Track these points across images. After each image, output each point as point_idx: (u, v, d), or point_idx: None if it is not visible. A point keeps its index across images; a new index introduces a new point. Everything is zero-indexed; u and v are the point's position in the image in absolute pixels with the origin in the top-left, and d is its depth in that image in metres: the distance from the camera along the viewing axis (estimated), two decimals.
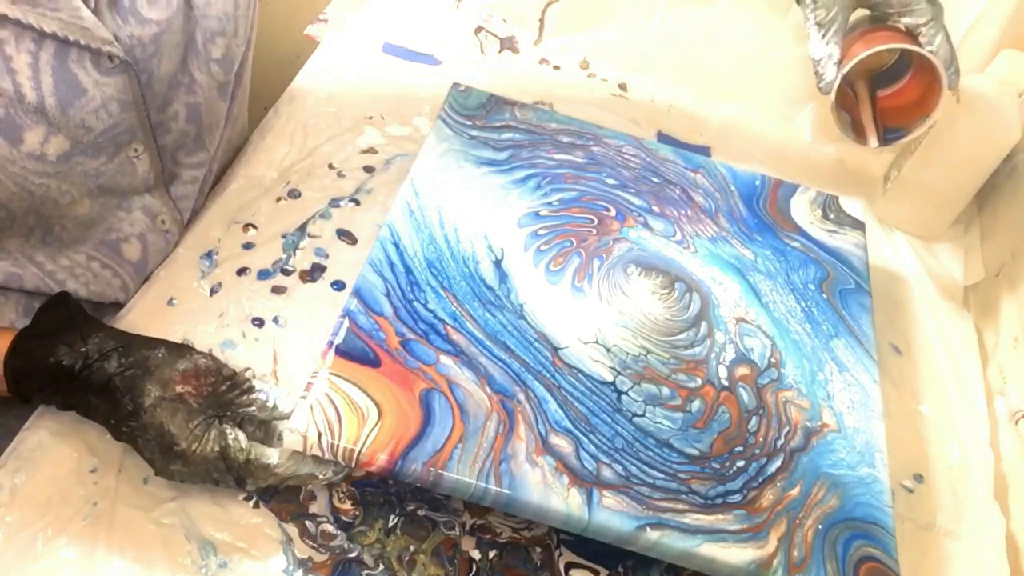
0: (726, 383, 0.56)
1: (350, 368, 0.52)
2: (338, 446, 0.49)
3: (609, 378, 0.55)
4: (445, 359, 0.54)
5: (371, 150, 0.77)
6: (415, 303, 0.56)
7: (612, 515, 0.49)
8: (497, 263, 0.60)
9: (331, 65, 0.85)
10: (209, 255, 0.66)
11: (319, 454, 0.50)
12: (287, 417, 0.55)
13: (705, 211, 0.67)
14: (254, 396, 0.53)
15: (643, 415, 0.54)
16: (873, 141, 0.68)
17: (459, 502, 0.56)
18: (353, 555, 0.53)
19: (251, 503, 0.54)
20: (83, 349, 0.51)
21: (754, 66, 0.88)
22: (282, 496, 0.55)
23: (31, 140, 0.50)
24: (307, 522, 0.54)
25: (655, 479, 0.51)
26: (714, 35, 0.88)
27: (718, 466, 0.52)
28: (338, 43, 0.87)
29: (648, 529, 0.49)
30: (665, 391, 0.55)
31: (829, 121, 0.78)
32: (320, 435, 0.49)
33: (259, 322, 0.63)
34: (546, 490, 0.49)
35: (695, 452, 0.53)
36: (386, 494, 0.56)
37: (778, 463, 0.53)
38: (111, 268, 0.62)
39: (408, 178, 0.64)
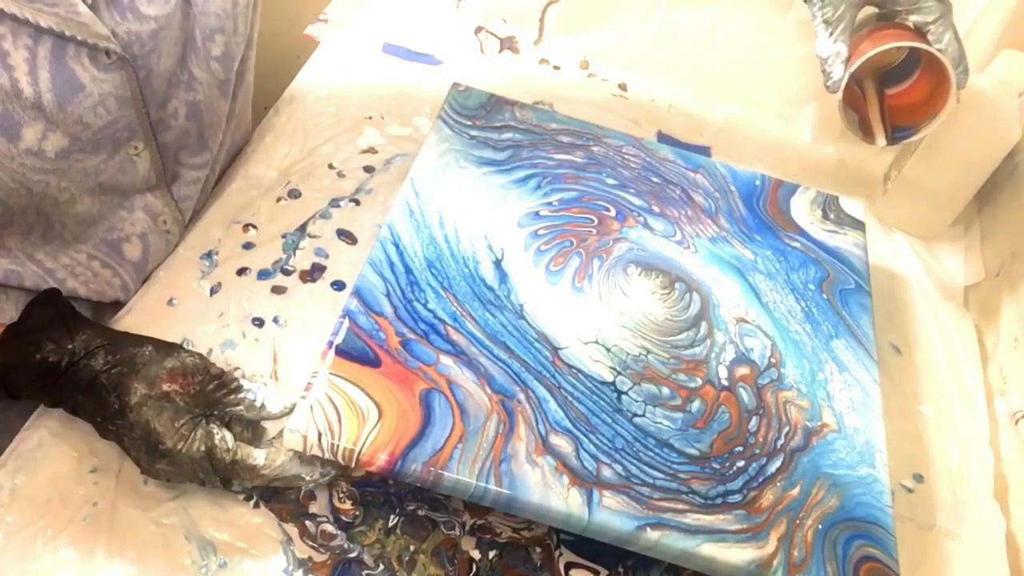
0: (726, 383, 0.56)
1: (350, 368, 0.52)
2: (338, 446, 0.49)
3: (609, 378, 0.55)
4: (445, 359, 0.54)
5: (371, 150, 0.77)
6: (415, 303, 0.56)
7: (612, 515, 0.49)
8: (497, 263, 0.60)
9: (331, 65, 0.85)
10: (209, 255, 0.66)
11: (319, 454, 0.50)
12: (275, 417, 0.55)
13: (705, 211, 0.67)
14: (242, 396, 0.53)
15: (643, 415, 0.54)
16: (881, 140, 0.68)
17: (459, 502, 0.56)
18: (353, 555, 0.53)
19: (251, 503, 0.54)
20: (70, 346, 0.51)
21: (754, 66, 0.88)
22: (282, 496, 0.54)
23: (29, 136, 0.50)
24: (307, 522, 0.54)
25: (655, 479, 0.51)
26: (714, 35, 0.88)
27: (718, 466, 0.52)
28: (338, 43, 0.87)
29: (648, 529, 0.49)
30: (665, 391, 0.55)
31: (829, 121, 0.78)
32: (320, 435, 0.49)
33: (259, 322, 0.63)
34: (546, 490, 0.49)
35: (695, 452, 0.53)
36: (386, 494, 0.56)
37: (778, 463, 0.53)
38: (111, 267, 0.62)
39: (408, 178, 0.64)
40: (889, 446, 0.55)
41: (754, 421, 0.55)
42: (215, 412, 0.52)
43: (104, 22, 0.52)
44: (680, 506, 0.50)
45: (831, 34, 0.62)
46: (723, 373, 0.57)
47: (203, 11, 0.58)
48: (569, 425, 0.52)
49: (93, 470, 0.54)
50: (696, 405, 0.55)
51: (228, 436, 0.51)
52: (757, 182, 0.71)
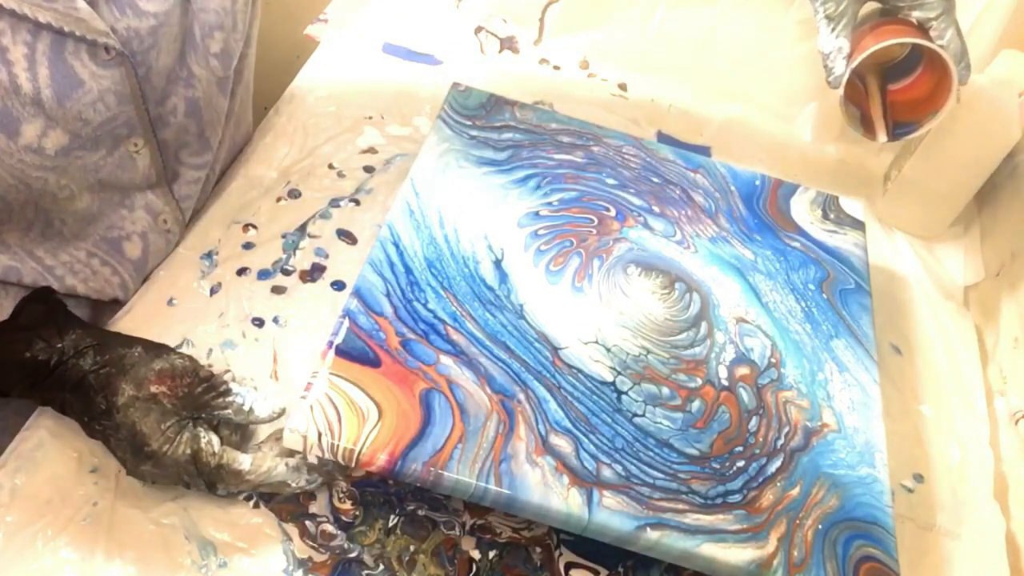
0: (726, 383, 0.56)
1: (350, 368, 0.52)
2: (338, 446, 0.49)
3: (609, 378, 0.55)
4: (445, 359, 0.54)
5: (371, 150, 0.77)
6: (415, 303, 0.56)
7: (612, 515, 0.49)
8: (497, 263, 0.60)
9: (331, 65, 0.85)
10: (209, 255, 0.66)
11: (319, 454, 0.50)
12: (263, 422, 0.54)
13: (705, 211, 0.67)
14: (230, 399, 0.53)
15: (643, 415, 0.54)
16: (882, 136, 0.67)
17: (459, 502, 0.56)
18: (353, 555, 0.53)
19: (251, 503, 0.54)
20: (59, 345, 0.51)
21: (754, 66, 0.88)
22: (282, 496, 0.54)
23: (29, 133, 0.50)
24: (307, 522, 0.54)
25: (655, 479, 0.51)
26: (714, 35, 0.88)
27: (718, 466, 0.52)
28: (338, 43, 0.87)
29: (648, 529, 0.49)
30: (665, 391, 0.55)
31: (829, 121, 0.78)
32: (320, 435, 0.49)
33: (259, 322, 0.63)
34: (546, 490, 0.49)
35: (695, 452, 0.53)
36: (386, 494, 0.56)
37: (778, 463, 0.53)
38: (111, 265, 0.62)
39: (408, 178, 0.64)
40: (889, 446, 0.55)
41: (754, 421, 0.55)
42: (203, 415, 0.52)
43: (103, 18, 0.51)
44: (680, 506, 0.50)
45: (833, 30, 0.62)
46: (723, 373, 0.57)
47: (202, 7, 0.58)
48: (569, 425, 0.52)
49: (93, 470, 0.54)
50: (696, 405, 0.55)
51: (215, 440, 0.51)
52: (757, 182, 0.71)
